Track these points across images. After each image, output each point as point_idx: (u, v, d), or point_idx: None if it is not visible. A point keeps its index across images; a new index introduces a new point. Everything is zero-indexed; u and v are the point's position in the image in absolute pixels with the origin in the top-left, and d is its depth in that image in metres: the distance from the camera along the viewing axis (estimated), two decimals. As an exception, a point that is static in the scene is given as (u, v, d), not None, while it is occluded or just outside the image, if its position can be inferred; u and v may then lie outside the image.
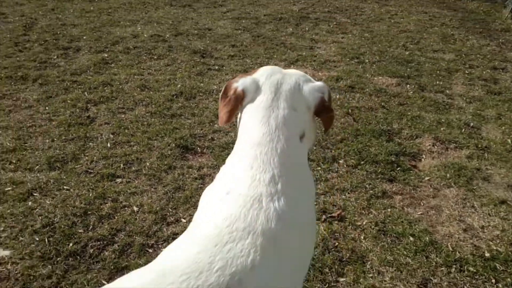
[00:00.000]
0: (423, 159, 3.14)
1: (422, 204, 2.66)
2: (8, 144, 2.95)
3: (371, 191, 2.74)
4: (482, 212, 2.57)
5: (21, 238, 2.14)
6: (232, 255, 0.91)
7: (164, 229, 2.30)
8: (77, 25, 5.72)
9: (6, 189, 2.49)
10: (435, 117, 3.77)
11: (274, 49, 5.43)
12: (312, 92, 1.24)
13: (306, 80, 1.28)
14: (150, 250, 2.14)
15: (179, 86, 4.13)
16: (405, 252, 2.24)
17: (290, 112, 1.20)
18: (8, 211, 2.31)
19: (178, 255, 0.93)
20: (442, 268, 2.15)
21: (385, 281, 2.07)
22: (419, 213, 2.57)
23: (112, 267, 2.01)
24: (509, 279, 2.08)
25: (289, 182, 1.14)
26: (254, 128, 1.18)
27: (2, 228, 2.20)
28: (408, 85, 4.48)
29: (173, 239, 2.23)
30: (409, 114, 3.83)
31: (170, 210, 2.44)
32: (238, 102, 1.22)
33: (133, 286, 0.83)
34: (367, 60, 5.19)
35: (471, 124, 3.65)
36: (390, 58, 5.29)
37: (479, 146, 3.29)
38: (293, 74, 1.29)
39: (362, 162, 3.06)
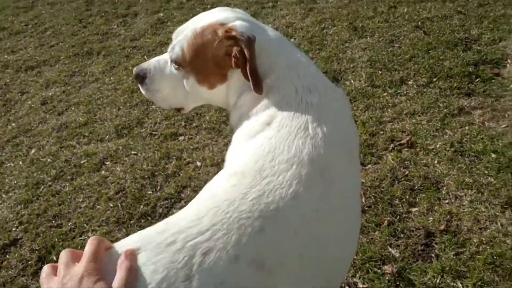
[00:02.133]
0: (508, 65, 2.72)
1: (506, 115, 2.32)
2: (81, 119, 3.16)
3: (445, 110, 2.46)
4: None
5: (98, 207, 2.32)
6: (271, 187, 0.85)
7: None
8: (132, -10, 5.80)
9: (82, 161, 2.69)
10: (523, 11, 3.20)
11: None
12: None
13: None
14: (214, 202, 2.19)
15: (232, 32, 4.01)
16: (486, 172, 2.00)
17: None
18: (85, 182, 2.50)
19: (214, 190, 0.90)
20: (532, 186, 1.88)
21: (463, 205, 1.88)
22: (503, 126, 2.25)
23: (179, 222, 2.10)
24: None
25: (331, 100, 1.05)
26: (278, 59, 1.08)
27: (81, 199, 2.39)
28: (489, -21, 3.83)
29: (235, 188, 2.26)
30: (491, 15, 3.30)
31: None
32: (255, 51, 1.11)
33: (172, 222, 0.83)
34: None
35: None
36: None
37: None
38: (225, 8, 1.17)
39: (434, 79, 2.74)
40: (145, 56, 3.95)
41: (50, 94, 3.61)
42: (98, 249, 0.76)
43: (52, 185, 2.55)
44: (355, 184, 1.02)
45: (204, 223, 0.78)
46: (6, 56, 4.54)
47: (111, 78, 3.69)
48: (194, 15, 4.02)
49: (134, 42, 4.31)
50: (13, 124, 3.28)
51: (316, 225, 0.87)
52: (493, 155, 2.07)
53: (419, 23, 3.49)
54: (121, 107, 3.22)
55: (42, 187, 2.54)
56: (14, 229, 2.28)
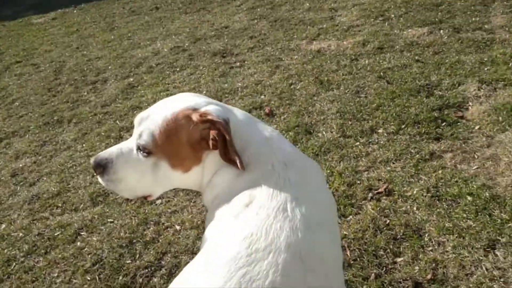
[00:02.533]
0: (470, 107, 2.86)
1: (476, 157, 2.41)
2: (53, 189, 3.06)
3: (417, 156, 2.53)
4: (547, 152, 2.28)
5: (74, 281, 2.20)
6: (247, 279, 0.82)
7: (208, 242, 2.26)
8: (101, 57, 5.88)
9: (56, 234, 2.58)
10: (476, 58, 3.43)
11: (293, 29, 5.25)
12: None
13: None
14: (197, 267, 2.12)
15: (204, 92, 4.09)
16: (464, 215, 2.03)
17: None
18: (60, 255, 2.39)
19: (190, 281, 0.87)
20: (509, 224, 1.92)
21: (447, 251, 1.89)
22: (474, 168, 2.33)
23: (162, 292, 2.01)
24: None
25: (305, 172, 1.07)
26: (249, 136, 1.13)
27: (56, 274, 2.27)
28: (441, 31, 4.12)
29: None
30: (447, 61, 3.52)
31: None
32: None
33: None
34: (392, 15, 4.86)
35: (519, 55, 3.27)
36: (417, 6, 4.91)
37: (532, 77, 2.94)
38: (190, 94, 1.23)
39: (403, 126, 2.84)
40: (117, 121, 3.95)
41: (20, 165, 3.52)
42: None
43: (24, 261, 2.41)
44: (337, 263, 1.01)
45: None
46: (-27, 129, 4.44)
47: (84, 145, 3.64)
48: (163, 78, 4.11)
49: (105, 108, 4.31)
50: (-19, 200, 3.15)
51: None
52: (469, 198, 2.12)
53: (381, 73, 3.66)
54: (94, 174, 3.15)
55: (14, 264, 2.41)
56: (-18, 314, 2.12)
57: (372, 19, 4.92)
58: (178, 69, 4.91)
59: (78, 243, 2.46)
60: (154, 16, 7.56)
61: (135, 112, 4.05)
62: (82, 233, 2.54)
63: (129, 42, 6.37)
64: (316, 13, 5.65)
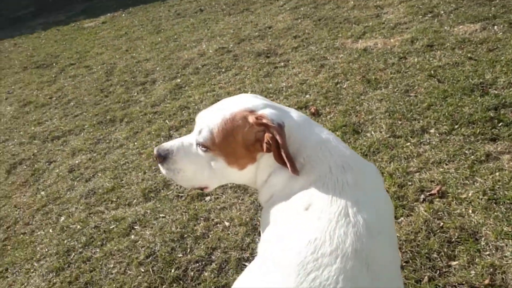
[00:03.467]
0: (529, 107, 2.73)
1: (537, 159, 2.30)
2: (107, 184, 3.21)
3: (472, 157, 2.45)
4: None
5: (129, 272, 2.30)
6: (317, 284, 0.84)
7: (257, 239, 2.29)
8: (150, 59, 6.08)
9: (111, 227, 2.71)
10: (535, 54, 3.26)
11: (338, 28, 5.20)
12: None
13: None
14: (246, 263, 2.15)
15: (249, 92, 4.13)
16: (525, 220, 1.95)
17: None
18: (115, 247, 2.50)
19: (261, 283, 0.89)
20: None
21: (505, 256, 1.82)
22: (535, 170, 2.22)
23: (213, 287, 2.06)
24: None
25: (363, 176, 1.07)
26: (305, 139, 1.16)
27: (112, 265, 2.39)
28: (495, 26, 3.95)
29: (266, 248, 2.23)
30: (502, 59, 3.37)
31: (259, 218, 2.44)
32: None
33: None
34: (442, 12, 4.70)
35: None
36: (469, 1, 4.72)
37: None
38: (250, 96, 1.26)
39: (456, 126, 2.75)
40: (166, 120, 4.07)
41: (76, 162, 3.71)
42: None
43: (82, 251, 2.55)
44: (397, 266, 1.01)
45: None
46: (33, 128, 4.72)
47: (135, 143, 3.79)
48: (209, 79, 4.20)
49: (155, 107, 4.46)
50: (42, 193, 3.35)
51: None
52: (529, 201, 2.03)
53: (432, 71, 3.56)
54: (146, 171, 3.28)
55: (73, 254, 2.55)
56: (46, 300, 2.26)
57: (421, 16, 4.78)
58: (223, 70, 4.99)
59: (132, 236, 2.57)
60: (198, 18, 7.72)
61: (183, 112, 4.17)
62: (135, 227, 2.65)
63: (175, 44, 6.54)
64: (361, 11, 5.57)
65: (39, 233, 2.87)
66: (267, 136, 1.11)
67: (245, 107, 1.17)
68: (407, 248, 1.99)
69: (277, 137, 1.08)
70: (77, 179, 3.45)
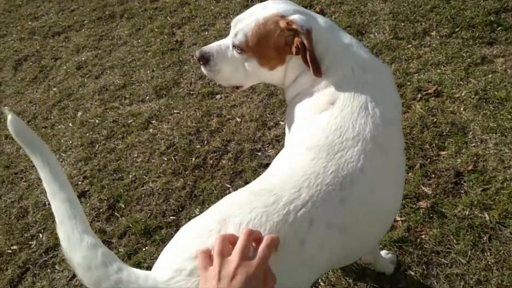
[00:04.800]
0: (529, 11, 2.83)
1: (528, 62, 2.48)
2: (118, 81, 3.34)
3: (468, 60, 2.61)
4: None
5: (153, 160, 2.56)
6: (343, 161, 1.05)
7: (267, 133, 2.53)
8: None
9: (129, 121, 2.91)
10: (543, -45, 3.24)
11: None
12: None
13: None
14: (259, 154, 2.42)
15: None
16: (509, 117, 2.19)
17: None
18: (136, 139, 2.73)
19: (296, 161, 1.10)
20: (552, 127, 2.08)
21: (488, 147, 2.10)
22: (525, 73, 2.42)
23: (231, 172, 2.35)
24: None
25: (381, 77, 1.23)
26: (330, 44, 1.26)
27: (136, 155, 2.64)
28: None
29: (276, 141, 2.47)
30: (510, -41, 3.34)
31: (268, 115, 2.65)
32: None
33: (269, 182, 1.04)
34: None
35: None
36: None
37: None
38: (280, 1, 1.32)
39: (457, 30, 2.87)
40: (168, 17, 4.05)
41: (83, 58, 3.77)
42: (248, 243, 0.87)
43: (106, 143, 2.78)
44: (402, 152, 1.24)
45: (303, 195, 0.99)
46: (30, 23, 4.64)
47: (139, 40, 3.82)
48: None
49: (154, 3, 4.38)
50: (55, 89, 3.47)
51: (379, 192, 1.09)
52: (516, 101, 2.25)
53: (438, -29, 3.53)
54: (154, 68, 3.38)
55: (97, 145, 2.78)
56: (80, 183, 2.54)
57: None
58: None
59: (151, 130, 2.79)
60: None
61: (184, 8, 4.12)
62: (152, 121, 2.86)
63: None
64: None
65: (59, 127, 3.07)
66: (296, 40, 1.24)
67: (277, 12, 1.28)
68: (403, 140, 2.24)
69: (305, 42, 1.22)
70: (87, 76, 3.55)
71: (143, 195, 2.35)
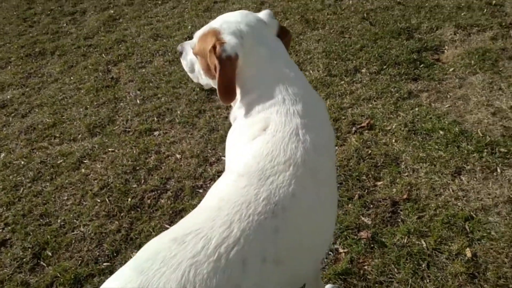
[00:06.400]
0: (445, 51, 3.09)
1: (449, 96, 2.68)
2: (48, 120, 3.15)
3: (397, 94, 2.77)
4: (510, 93, 2.57)
5: (84, 203, 2.39)
6: (275, 186, 1.03)
7: (209, 169, 2.48)
8: (76, -14, 5.65)
9: (58, 161, 2.72)
10: (454, 2, 3.61)
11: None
12: (270, 20, 1.33)
13: (256, 15, 1.33)
14: (201, 191, 2.34)
15: (189, 27, 4.11)
16: (436, 147, 2.32)
17: (277, 44, 1.29)
18: (66, 181, 2.55)
19: (227, 191, 1.07)
20: (474, 155, 2.23)
21: (420, 177, 2.20)
22: (446, 106, 2.60)
23: (171, 212, 2.24)
24: (541, 153, 2.15)
25: (313, 108, 1.24)
26: (264, 73, 1.24)
27: (66, 197, 2.45)
28: (422, -27, 4.23)
29: (218, 177, 2.42)
30: (426, 5, 3.69)
31: (210, 151, 2.60)
32: (235, 68, 1.23)
33: (196, 223, 0.97)
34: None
35: (493, 1, 3.48)
36: None
37: (503, 24, 3.18)
38: (245, 15, 1.31)
39: (384, 67, 3.06)
40: (103, 54, 3.96)
41: (8, 97, 3.53)
42: None
43: (32, 186, 2.56)
44: (334, 181, 1.25)
45: (235, 231, 0.92)
46: None
47: (71, 78, 3.67)
48: (145, 11, 4.12)
49: (88, 40, 4.27)
50: (-26, 130, 3.20)
51: (311, 216, 1.08)
52: (441, 132, 2.40)
53: (365, 14, 3.81)
54: (88, 106, 3.24)
55: (22, 189, 2.56)
56: (0, 230, 2.29)
57: (355, -42, 4.93)
58: (159, 2, 4.84)
59: (83, 170, 2.62)
60: None
61: (120, 45, 4.06)
62: (85, 161, 2.69)
63: (103, -30, 6.09)
64: None
65: (-22, 169, 2.80)
66: (212, 62, 1.25)
67: (218, 27, 1.28)
68: (341, 172, 2.29)
69: (217, 66, 1.22)
70: (12, 115, 3.32)
71: (73, 241, 2.17)
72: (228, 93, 1.24)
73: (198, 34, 1.33)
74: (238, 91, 1.31)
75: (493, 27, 3.17)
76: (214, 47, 1.22)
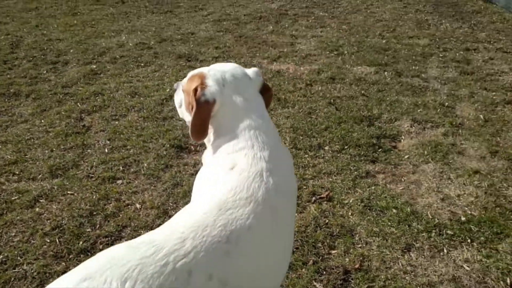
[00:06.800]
0: (402, 140, 3.36)
1: (403, 180, 2.86)
2: (9, 157, 3.09)
3: (355, 172, 2.94)
4: (457, 183, 2.79)
5: (33, 241, 2.30)
6: (233, 217, 1.09)
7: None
8: (63, 39, 5.85)
9: (13, 198, 2.64)
10: (412, 100, 3.99)
11: (256, 47, 5.62)
12: (256, 77, 1.47)
13: (244, 69, 1.48)
14: (155, 241, 2.31)
15: (168, 90, 4.29)
16: (389, 223, 2.44)
17: (256, 98, 1.43)
18: (18, 217, 2.47)
19: (187, 216, 1.12)
20: (423, 234, 2.35)
21: (372, 249, 2.27)
22: (400, 188, 2.78)
23: (121, 259, 2.18)
24: (482, 238, 2.30)
25: (279, 157, 1.34)
26: (238, 120, 1.36)
27: (13, 234, 2.35)
28: (386, 72, 4.70)
29: (176, 229, 2.41)
30: (387, 99, 4.04)
31: (171, 204, 2.62)
32: (210, 112, 1.36)
33: (153, 236, 1.00)
34: (346, 52, 5.41)
35: (446, 104, 3.88)
36: (368, 48, 5.51)
37: (454, 123, 3.52)
38: (233, 67, 1.46)
39: (346, 147, 3.26)
40: (78, 103, 4.02)
41: (-28, 130, 3.47)
42: None
43: (-22, 220, 2.45)
44: (292, 227, 1.33)
45: (187, 246, 0.99)
46: None
47: (42, 121, 3.67)
48: (127, 70, 4.37)
49: (66, 89, 4.35)
50: None
51: (264, 251, 1.15)
52: (394, 210, 2.54)
53: (331, 100, 4.11)
54: (54, 149, 3.23)
55: (-33, 221, 2.44)
56: None
57: (328, 52, 5.44)
58: (142, 64, 5.06)
59: (37, 209, 2.55)
60: (119, 9, 7.62)
61: (97, 97, 4.15)
62: (41, 200, 2.63)
63: (92, 30, 6.38)
64: (278, 36, 6.10)
65: None
66: (191, 101, 1.37)
67: (206, 72, 1.41)
68: (298, 237, 2.35)
69: (194, 107, 1.34)
70: (-27, 147, 3.24)
71: (12, 279, 2.05)
72: (198, 132, 1.35)
73: (190, 74, 1.47)
74: (211, 132, 1.41)
75: (445, 124, 3.50)
76: (195, 89, 1.34)
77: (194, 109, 1.33)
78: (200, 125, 1.34)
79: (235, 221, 1.09)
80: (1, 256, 2.19)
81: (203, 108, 1.34)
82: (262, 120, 1.40)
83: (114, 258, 0.92)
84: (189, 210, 1.17)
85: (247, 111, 1.40)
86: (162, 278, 0.90)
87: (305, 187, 2.79)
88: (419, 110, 3.80)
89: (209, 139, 1.42)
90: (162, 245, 0.96)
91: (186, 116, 1.52)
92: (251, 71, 1.48)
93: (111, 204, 2.61)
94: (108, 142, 3.34)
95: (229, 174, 1.25)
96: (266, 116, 1.42)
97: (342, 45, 5.66)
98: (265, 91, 1.49)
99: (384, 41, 5.78)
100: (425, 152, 3.16)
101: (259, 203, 1.15)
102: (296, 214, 2.48)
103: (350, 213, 2.55)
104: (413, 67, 4.80)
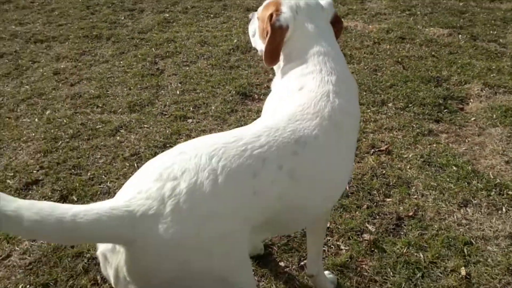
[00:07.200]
0: (470, 103, 3.28)
1: (467, 141, 2.84)
2: (93, 91, 3.41)
3: (417, 130, 2.95)
4: (526, 147, 2.72)
5: (114, 164, 2.59)
6: (301, 127, 1.23)
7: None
8: (138, -11, 6.11)
9: (97, 126, 2.95)
10: (485, 64, 3.83)
11: (324, 4, 5.54)
12: (329, 7, 1.53)
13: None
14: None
15: (235, 41, 4.42)
16: (448, 179, 2.47)
17: (327, 27, 1.50)
18: (102, 143, 2.77)
19: (259, 122, 1.28)
20: (482, 192, 2.36)
21: (428, 201, 2.33)
22: (463, 148, 2.76)
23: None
24: (545, 200, 2.27)
25: (345, 82, 1.43)
26: (308, 46, 1.45)
27: (98, 156, 2.66)
28: (460, 35, 4.49)
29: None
30: (459, 62, 3.91)
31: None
32: (283, 37, 1.45)
33: (234, 136, 1.14)
34: (418, 12, 5.20)
35: (523, 68, 3.68)
36: (443, 10, 5.25)
37: (529, 89, 3.36)
38: None
39: (410, 105, 3.24)
40: (153, 48, 4.27)
41: (61, 66, 3.83)
42: None
43: (69, 141, 2.79)
44: (353, 147, 1.45)
45: (262, 140, 1.15)
46: (13, 27, 4.70)
47: (121, 62, 3.96)
48: (198, 20, 4.49)
49: (142, 34, 4.61)
50: (27, 87, 3.48)
51: (328, 160, 1.28)
52: (454, 168, 2.55)
53: (399, 59, 4.04)
54: (131, 87, 3.50)
55: (60, 142, 2.78)
56: (35, 171, 2.50)
57: (399, 11, 5.25)
58: (212, 16, 5.20)
59: (118, 138, 2.84)
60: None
61: (169, 44, 4.37)
62: (121, 130, 2.92)
63: (165, -20, 6.57)
64: (348, -6, 5.94)
65: (24, 120, 3.05)
66: (266, 28, 1.47)
67: None
68: (354, 183, 2.45)
69: (269, 33, 1.43)
70: (62, 81, 3.60)
71: (98, 192, 2.35)
72: (271, 57, 1.47)
73: (266, 2, 1.56)
74: (282, 58, 1.52)
75: (519, 90, 3.36)
76: (271, 15, 1.45)
77: (268, 34, 1.43)
78: (274, 50, 1.45)
79: (303, 130, 1.23)
80: (89, 174, 2.50)
81: (277, 33, 1.44)
82: (331, 48, 1.48)
83: (203, 142, 1.13)
84: (259, 120, 1.31)
85: (318, 38, 1.48)
86: (242, 159, 1.08)
87: (364, 139, 2.85)
88: (492, 75, 3.64)
89: (279, 65, 1.53)
90: (241, 136, 1.13)
91: (259, 44, 1.62)
92: (324, 1, 1.54)
93: (182, 139, 2.84)
94: (179, 85, 3.56)
95: (297, 94, 1.37)
96: (335, 44, 1.50)
97: (416, 5, 5.43)
98: (337, 22, 1.56)
99: (461, 3, 5.46)
100: (494, 116, 3.07)
101: (325, 119, 1.27)
102: (354, 163, 2.57)
103: (408, 167, 2.60)
104: (491, 32, 4.54)
